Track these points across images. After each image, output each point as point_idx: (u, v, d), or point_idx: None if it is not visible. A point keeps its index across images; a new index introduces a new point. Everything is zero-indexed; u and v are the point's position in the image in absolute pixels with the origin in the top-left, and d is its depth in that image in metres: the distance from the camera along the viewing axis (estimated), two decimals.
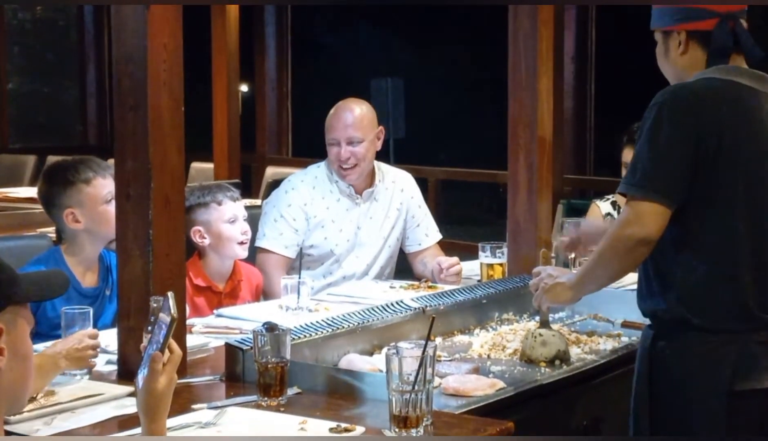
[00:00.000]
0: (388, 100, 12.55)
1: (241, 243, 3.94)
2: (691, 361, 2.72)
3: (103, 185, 3.50)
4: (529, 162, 4.09)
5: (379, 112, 4.49)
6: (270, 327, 2.68)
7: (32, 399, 2.57)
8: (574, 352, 3.21)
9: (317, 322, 3.13)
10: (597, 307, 3.67)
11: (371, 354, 3.14)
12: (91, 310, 2.94)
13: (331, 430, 2.38)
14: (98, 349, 2.85)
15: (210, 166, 8.37)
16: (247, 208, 4.09)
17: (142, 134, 2.84)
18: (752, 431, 2.72)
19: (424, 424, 2.38)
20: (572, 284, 3.03)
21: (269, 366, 2.64)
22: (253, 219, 4.23)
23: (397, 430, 2.37)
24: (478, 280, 4.18)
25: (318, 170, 4.46)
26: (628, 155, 4.38)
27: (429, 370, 2.38)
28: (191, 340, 3.12)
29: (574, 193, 7.76)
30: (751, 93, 2.78)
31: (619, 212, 5.03)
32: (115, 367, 2.94)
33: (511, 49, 4.12)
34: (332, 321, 3.15)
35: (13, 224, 5.48)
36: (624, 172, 3.26)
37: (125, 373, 2.83)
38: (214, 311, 3.74)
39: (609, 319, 3.65)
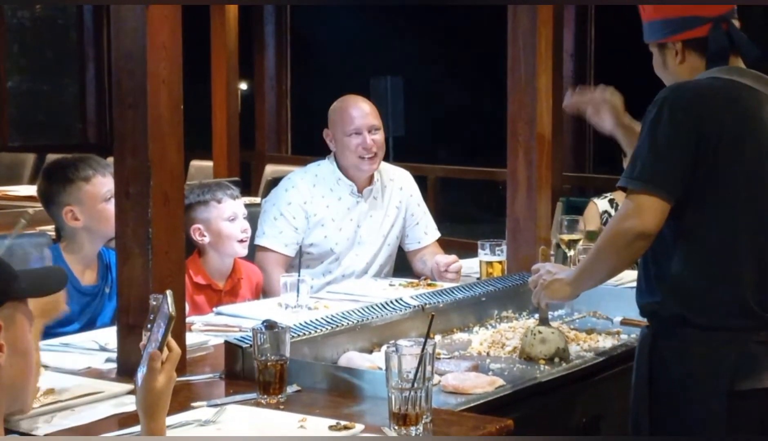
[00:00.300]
0: (388, 98, 12.54)
1: (241, 241, 3.95)
2: (691, 361, 2.72)
3: (103, 183, 3.50)
4: (529, 160, 4.09)
5: (378, 110, 4.50)
6: (269, 325, 2.68)
7: None
8: (574, 349, 3.22)
9: (317, 320, 3.13)
10: (596, 304, 3.67)
11: (371, 352, 3.14)
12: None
13: (330, 427, 2.39)
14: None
15: (209, 164, 8.37)
16: (246, 206, 4.09)
17: (142, 132, 2.84)
18: (753, 431, 2.72)
19: (423, 422, 2.38)
20: (571, 280, 3.03)
21: (269, 364, 2.64)
22: (253, 217, 4.23)
23: (396, 427, 2.37)
24: (478, 278, 4.18)
25: (319, 168, 4.46)
26: None
27: (428, 368, 2.38)
28: (191, 338, 3.12)
29: (574, 191, 7.77)
30: (753, 93, 2.78)
31: (616, 210, 5.04)
32: (114, 366, 2.94)
33: (510, 46, 4.12)
34: (332, 319, 3.15)
35: (11, 222, 5.48)
36: None
37: (125, 371, 2.83)
38: (214, 309, 3.74)
39: (608, 317, 3.65)
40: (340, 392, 2.68)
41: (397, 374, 2.37)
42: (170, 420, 2.33)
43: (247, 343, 2.81)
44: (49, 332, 3.32)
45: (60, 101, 11.44)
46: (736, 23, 2.83)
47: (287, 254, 4.31)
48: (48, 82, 11.27)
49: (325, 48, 16.65)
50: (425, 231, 4.61)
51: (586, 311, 3.71)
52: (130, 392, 2.58)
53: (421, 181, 5.45)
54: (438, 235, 4.67)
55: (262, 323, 2.70)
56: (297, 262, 4.04)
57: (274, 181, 5.17)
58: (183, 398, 2.61)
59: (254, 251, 4.28)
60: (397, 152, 12.44)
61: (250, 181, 9.06)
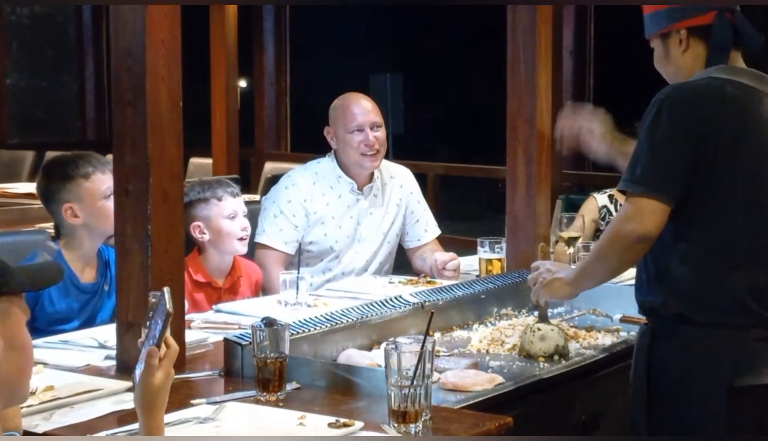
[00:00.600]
0: (387, 95, 12.55)
1: (241, 239, 3.94)
2: (690, 358, 2.72)
3: (102, 180, 3.50)
4: (528, 157, 4.09)
5: (378, 108, 4.49)
6: (269, 322, 2.68)
7: (31, 394, 2.57)
8: (573, 347, 3.22)
9: (316, 317, 3.13)
10: (596, 302, 3.67)
11: (370, 349, 3.14)
12: None
13: (329, 425, 2.38)
14: None
15: (209, 161, 8.37)
16: (245, 203, 4.09)
17: (141, 129, 2.84)
18: (752, 428, 2.72)
19: (422, 419, 2.38)
20: (570, 280, 3.03)
21: (268, 361, 2.64)
22: (252, 214, 4.23)
23: (395, 425, 2.37)
24: (477, 276, 4.18)
25: (319, 166, 4.46)
26: None
27: (428, 365, 2.38)
28: (190, 336, 3.12)
29: (573, 189, 7.77)
30: (752, 92, 2.78)
31: (616, 206, 5.06)
32: (113, 363, 2.94)
33: (510, 44, 4.12)
34: (331, 316, 3.15)
35: (11, 220, 5.48)
36: None
37: (124, 369, 2.83)
38: (213, 307, 3.74)
39: (608, 315, 3.65)
40: (340, 390, 2.68)
41: (396, 372, 2.37)
42: (169, 417, 2.33)
43: (246, 341, 2.81)
44: (48, 330, 3.33)
45: (59, 99, 11.43)
46: (740, 13, 2.83)
47: (287, 252, 4.31)
48: (47, 79, 11.26)
49: (325, 45, 16.65)
50: (425, 228, 4.61)
51: (586, 308, 3.71)
52: (129, 389, 2.58)
53: (421, 178, 5.45)
54: (438, 232, 4.67)
55: (262, 321, 2.70)
56: (297, 259, 4.04)
57: (274, 179, 5.16)
58: (182, 395, 2.61)
59: (254, 249, 4.28)
60: (397, 150, 12.44)
61: (249, 179, 9.06)
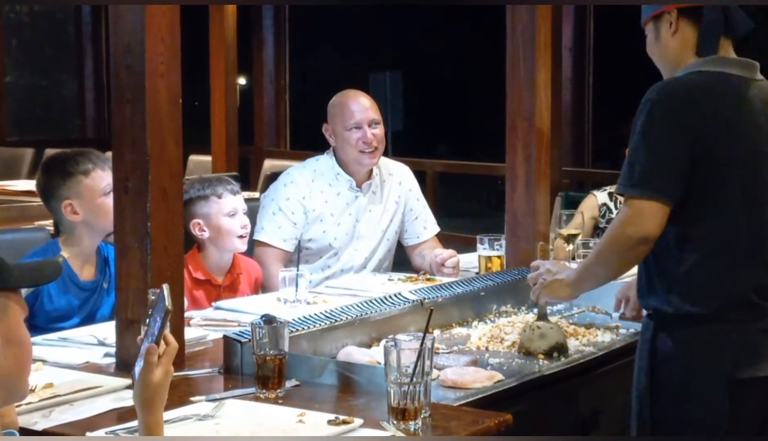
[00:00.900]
0: (387, 93, 12.55)
1: (241, 236, 3.94)
2: (692, 351, 2.72)
3: (102, 177, 3.50)
4: (528, 154, 4.09)
5: (377, 105, 4.50)
6: (268, 319, 2.68)
7: (30, 391, 2.57)
8: (573, 344, 3.22)
9: (315, 314, 3.13)
10: (596, 299, 3.67)
11: (369, 346, 3.14)
12: None
13: (329, 422, 2.38)
14: None
15: (208, 158, 8.37)
16: (245, 201, 4.09)
17: (140, 127, 2.84)
18: (755, 420, 2.73)
19: (422, 417, 2.38)
20: (571, 281, 3.03)
21: (267, 358, 2.64)
22: (251, 212, 4.23)
23: (395, 422, 2.37)
24: (477, 273, 4.18)
25: (317, 163, 4.46)
26: None
27: (427, 363, 2.38)
28: (189, 333, 3.12)
29: (573, 186, 7.77)
30: (742, 83, 2.78)
31: (616, 204, 5.06)
32: (113, 360, 2.94)
33: (509, 42, 4.12)
34: (330, 313, 3.15)
35: (10, 217, 5.48)
36: None
37: (123, 366, 2.83)
38: (213, 304, 3.74)
39: (607, 312, 3.65)
40: (339, 387, 2.68)
41: (395, 369, 2.37)
42: (169, 414, 2.33)
43: (245, 338, 2.81)
44: (48, 327, 3.33)
45: (58, 96, 11.43)
46: None
47: (286, 249, 4.31)
48: (46, 77, 11.26)
49: (324, 43, 16.64)
50: (424, 226, 4.61)
51: (585, 306, 3.71)
52: (129, 387, 2.58)
53: (420, 175, 5.45)
54: (437, 229, 4.67)
55: (261, 318, 2.70)
56: (296, 257, 4.04)
57: (273, 176, 5.16)
58: (182, 393, 2.61)
59: (253, 246, 4.28)
60: (396, 147, 12.44)
61: (248, 176, 9.06)
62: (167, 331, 2.17)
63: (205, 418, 2.44)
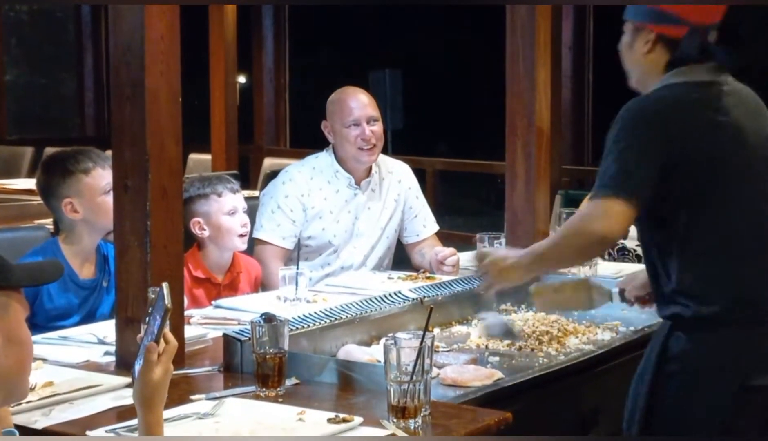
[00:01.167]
0: (387, 91, 12.55)
1: (241, 235, 3.94)
2: (707, 353, 2.70)
3: (102, 176, 3.50)
4: (527, 153, 4.10)
5: (377, 103, 4.49)
6: (268, 318, 2.68)
7: (30, 390, 2.57)
8: (572, 342, 3.22)
9: (315, 312, 3.13)
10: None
11: (369, 345, 3.14)
12: None
13: (329, 420, 2.39)
14: None
15: (208, 157, 8.37)
16: (245, 199, 4.09)
17: (140, 125, 2.84)
18: (753, 426, 2.72)
19: (422, 415, 2.38)
20: (523, 264, 2.98)
21: (267, 357, 2.64)
22: (251, 210, 4.23)
23: (395, 420, 2.37)
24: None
25: (316, 161, 4.46)
26: None
27: (427, 361, 2.38)
28: (189, 331, 3.12)
29: (572, 184, 7.78)
30: (712, 88, 2.76)
31: None
32: (113, 358, 2.94)
33: (509, 40, 4.12)
34: (330, 312, 3.15)
35: (9, 216, 5.48)
36: None
37: (123, 365, 2.83)
38: (213, 303, 3.74)
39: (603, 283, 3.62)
40: (339, 385, 2.68)
41: (395, 367, 2.37)
42: (169, 413, 2.33)
43: (245, 336, 2.81)
44: (47, 326, 3.33)
45: (58, 95, 11.44)
46: (714, 34, 2.81)
47: (285, 247, 4.31)
48: (46, 75, 11.28)
49: (324, 41, 16.65)
50: (424, 224, 4.61)
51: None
52: (129, 385, 2.58)
53: (420, 174, 5.46)
54: (437, 227, 4.67)
55: (261, 316, 2.70)
56: (295, 254, 4.04)
57: (273, 175, 5.16)
58: (182, 391, 2.61)
59: (253, 244, 4.28)
60: (396, 145, 12.45)
61: (248, 175, 9.07)
62: (167, 330, 2.17)
63: (204, 416, 2.44)
